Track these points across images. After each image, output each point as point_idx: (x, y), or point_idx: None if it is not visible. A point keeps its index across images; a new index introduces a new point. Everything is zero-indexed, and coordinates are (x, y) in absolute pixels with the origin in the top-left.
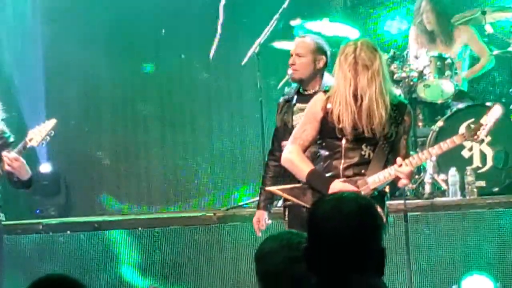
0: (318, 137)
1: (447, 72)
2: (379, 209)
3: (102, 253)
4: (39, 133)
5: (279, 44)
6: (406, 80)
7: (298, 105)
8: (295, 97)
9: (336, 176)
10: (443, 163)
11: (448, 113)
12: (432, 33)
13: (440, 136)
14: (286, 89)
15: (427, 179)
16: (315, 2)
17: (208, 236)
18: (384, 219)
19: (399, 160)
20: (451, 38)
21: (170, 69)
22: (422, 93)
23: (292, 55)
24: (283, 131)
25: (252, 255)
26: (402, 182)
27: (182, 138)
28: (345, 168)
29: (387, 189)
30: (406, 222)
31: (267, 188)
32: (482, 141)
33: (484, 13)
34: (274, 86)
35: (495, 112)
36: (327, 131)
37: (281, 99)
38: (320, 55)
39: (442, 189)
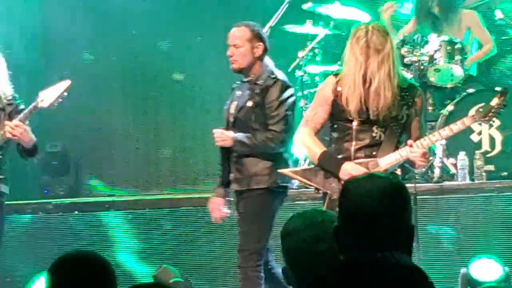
0: (330, 119)
1: (457, 57)
2: None
3: (111, 232)
4: (51, 94)
5: (290, 27)
6: (417, 64)
7: (237, 93)
8: (237, 85)
9: (347, 158)
10: (452, 147)
11: (458, 97)
12: (437, 17)
13: (450, 120)
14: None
15: (437, 163)
16: None
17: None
18: None
19: (409, 141)
20: (454, 21)
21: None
22: (433, 77)
23: (229, 46)
24: (226, 121)
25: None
26: (419, 163)
27: (194, 121)
28: (357, 150)
29: (398, 172)
30: (415, 206)
31: (280, 171)
32: (491, 122)
33: None
34: (285, 68)
35: (505, 94)
36: (337, 113)
37: (232, 89)
38: (258, 42)
39: (451, 173)
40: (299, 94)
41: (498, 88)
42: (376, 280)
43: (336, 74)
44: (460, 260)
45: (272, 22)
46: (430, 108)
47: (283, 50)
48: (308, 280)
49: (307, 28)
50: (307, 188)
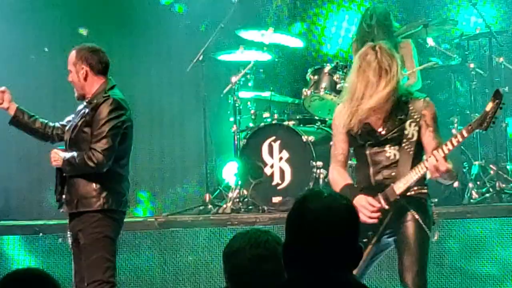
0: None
1: None
2: (420, 221)
3: (43, 257)
4: None
5: (223, 53)
6: None
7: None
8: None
9: (369, 185)
10: None
11: None
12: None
13: None
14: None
15: None
16: (260, 12)
17: (149, 241)
18: (428, 232)
19: (425, 157)
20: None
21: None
22: None
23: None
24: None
25: (193, 261)
26: (435, 175)
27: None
28: (375, 174)
29: (426, 191)
30: None
31: None
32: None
33: (426, 26)
34: (218, 94)
35: (498, 96)
36: (352, 140)
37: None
38: (81, 64)
39: None
40: (231, 119)
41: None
42: None
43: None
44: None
45: (205, 47)
46: None
47: (216, 75)
48: None
49: (240, 53)
50: (238, 212)
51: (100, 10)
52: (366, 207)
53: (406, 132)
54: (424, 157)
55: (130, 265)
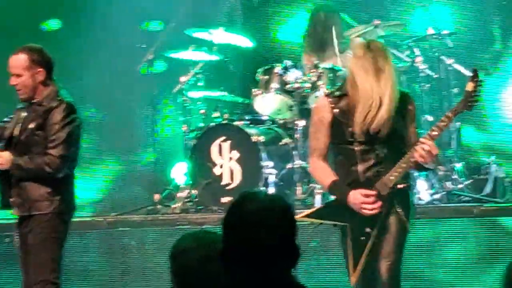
0: (331, 142)
1: (339, 84)
2: (403, 217)
3: None
4: None
5: (173, 53)
6: (299, 91)
7: (21, 114)
8: (21, 107)
9: (356, 181)
10: None
11: None
12: (325, 43)
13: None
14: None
15: (317, 189)
16: (211, 11)
17: (97, 241)
18: (408, 227)
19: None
20: (344, 48)
21: None
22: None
23: (12, 75)
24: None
25: (141, 261)
26: (425, 160)
27: None
28: (364, 172)
29: (412, 185)
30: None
31: (297, 217)
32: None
33: (377, 26)
34: (167, 93)
35: (476, 75)
36: (337, 135)
37: (16, 109)
38: (36, 67)
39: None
40: (181, 119)
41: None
42: None
43: (328, 95)
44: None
45: (155, 47)
46: None
47: (165, 75)
48: None
49: (190, 53)
50: (187, 212)
51: (47, 6)
52: (366, 201)
53: (396, 127)
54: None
55: (78, 265)
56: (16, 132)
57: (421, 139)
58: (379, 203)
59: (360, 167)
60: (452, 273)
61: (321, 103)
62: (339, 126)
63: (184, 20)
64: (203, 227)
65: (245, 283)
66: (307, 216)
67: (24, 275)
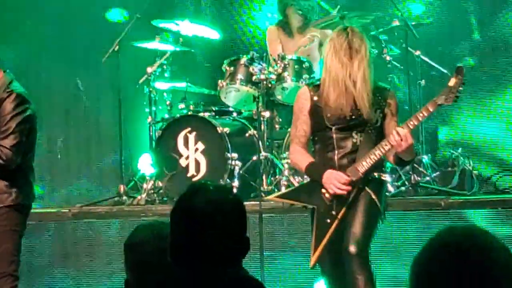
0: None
1: (305, 75)
2: (373, 196)
3: None
4: None
5: (139, 43)
6: (265, 82)
7: None
8: None
9: (332, 168)
10: None
11: None
12: (291, 29)
13: None
14: None
15: (283, 181)
16: (178, 2)
17: (62, 232)
18: (379, 206)
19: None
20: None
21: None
22: (280, 95)
23: None
24: None
25: (107, 252)
26: (399, 149)
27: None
28: (340, 158)
29: (387, 178)
30: (261, 223)
31: (267, 197)
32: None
33: (342, 17)
34: (133, 84)
35: (461, 72)
36: (316, 123)
37: None
38: None
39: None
40: (147, 110)
41: None
42: None
43: (308, 85)
44: (305, 279)
45: (121, 38)
46: (277, 126)
47: (132, 65)
48: None
49: (156, 44)
50: (152, 204)
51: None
52: (338, 179)
53: (371, 117)
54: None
55: (43, 256)
56: None
57: (397, 128)
58: (349, 187)
59: (336, 154)
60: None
61: (301, 92)
62: (318, 113)
63: (150, 10)
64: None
65: (194, 277)
66: (279, 196)
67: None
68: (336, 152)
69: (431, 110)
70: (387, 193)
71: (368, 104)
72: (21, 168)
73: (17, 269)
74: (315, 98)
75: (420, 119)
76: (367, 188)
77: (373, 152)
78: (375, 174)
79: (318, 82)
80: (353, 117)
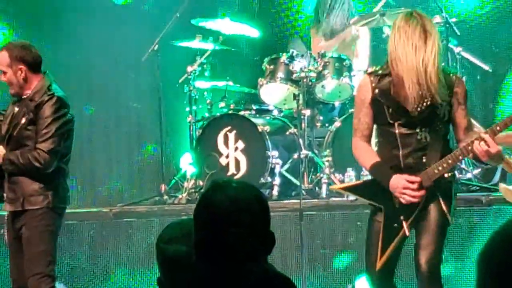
0: (374, 123)
1: (345, 73)
2: (443, 205)
3: None
4: None
5: (180, 42)
6: (305, 80)
7: (15, 109)
8: (11, 103)
9: (397, 167)
10: (339, 163)
11: (345, 114)
12: (331, 27)
13: (337, 136)
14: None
15: (324, 179)
16: (217, 1)
17: (103, 232)
18: (449, 217)
19: (482, 135)
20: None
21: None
22: (320, 93)
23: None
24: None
25: (147, 251)
26: (484, 159)
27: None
28: (405, 157)
29: (456, 176)
30: (301, 221)
31: (332, 187)
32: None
33: (383, 15)
34: (174, 83)
35: None
36: (378, 116)
37: (10, 104)
38: (17, 64)
39: (336, 192)
40: (187, 109)
41: None
42: None
43: (370, 74)
44: (347, 276)
45: (161, 36)
46: (318, 124)
47: (172, 64)
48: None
49: (197, 43)
50: (193, 203)
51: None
52: (408, 186)
53: (437, 112)
54: (461, 137)
55: (85, 255)
56: (10, 127)
57: (482, 135)
58: (421, 192)
59: (401, 152)
60: (460, 263)
61: (363, 82)
62: (380, 106)
63: (190, 9)
64: None
65: (219, 274)
66: (345, 188)
67: (15, 270)
68: (401, 150)
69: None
70: (457, 197)
71: (438, 88)
72: (57, 171)
73: (54, 270)
74: (376, 90)
75: (508, 123)
76: (437, 194)
77: (447, 160)
78: (446, 175)
79: (380, 72)
80: (419, 110)
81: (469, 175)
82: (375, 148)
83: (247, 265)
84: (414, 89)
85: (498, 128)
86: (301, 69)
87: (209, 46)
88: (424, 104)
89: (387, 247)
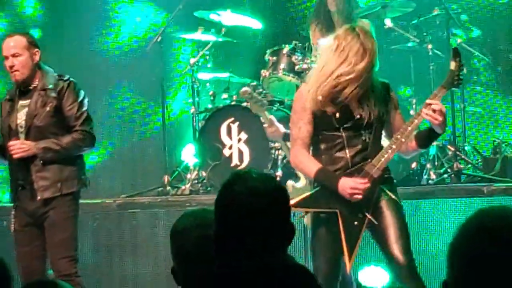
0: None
1: None
2: (393, 196)
3: None
4: None
5: (182, 34)
6: (307, 71)
7: (21, 102)
8: (16, 95)
9: (345, 167)
10: None
11: None
12: (332, 21)
13: None
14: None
15: None
16: None
17: (107, 222)
18: (397, 199)
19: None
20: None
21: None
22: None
23: (7, 58)
24: (8, 133)
25: (151, 242)
26: (437, 121)
27: None
28: (353, 157)
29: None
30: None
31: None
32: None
33: (385, 7)
34: (176, 74)
35: (457, 55)
36: (321, 123)
37: (3, 101)
38: (34, 48)
39: None
40: (190, 100)
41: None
42: (266, 282)
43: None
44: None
45: (164, 28)
46: None
47: (174, 56)
48: (196, 279)
49: (199, 34)
50: (196, 193)
51: None
52: (357, 186)
53: (378, 114)
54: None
55: (88, 246)
56: (20, 120)
57: (427, 101)
58: (368, 184)
59: (348, 153)
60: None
61: (302, 91)
62: (324, 113)
63: (192, 1)
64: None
65: (238, 264)
66: (293, 206)
67: (26, 257)
68: (347, 150)
69: (440, 95)
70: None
71: (373, 103)
72: (81, 156)
73: (78, 253)
74: (320, 97)
75: (438, 99)
76: (387, 190)
77: (390, 147)
78: (386, 174)
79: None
80: (362, 115)
81: (469, 166)
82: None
83: (265, 256)
84: (348, 102)
85: (437, 92)
86: (303, 60)
87: (211, 37)
88: (366, 111)
89: (352, 247)
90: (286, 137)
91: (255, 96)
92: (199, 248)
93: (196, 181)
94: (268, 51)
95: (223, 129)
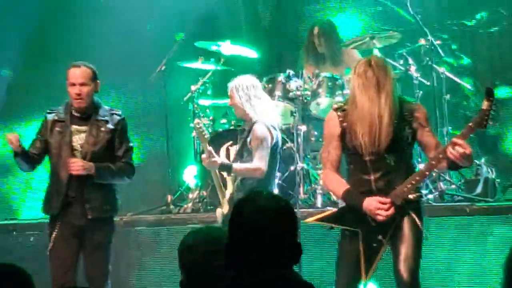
0: (343, 152)
1: (338, 92)
2: (416, 218)
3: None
4: None
5: (184, 63)
6: (300, 98)
7: (76, 127)
8: (68, 118)
9: (369, 191)
10: None
11: None
12: (322, 55)
13: None
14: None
15: (319, 189)
16: (220, 24)
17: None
18: (422, 228)
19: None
20: (339, 60)
21: None
22: (315, 110)
23: (74, 85)
24: (59, 151)
25: (156, 258)
26: (459, 160)
27: None
28: (376, 181)
29: (422, 196)
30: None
31: (307, 220)
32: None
33: (372, 38)
34: (179, 101)
35: (491, 94)
36: (348, 147)
37: (49, 120)
38: (97, 80)
39: (332, 199)
40: (191, 125)
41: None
42: None
43: (336, 109)
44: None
45: (167, 58)
46: (312, 139)
47: (177, 84)
48: None
49: (200, 64)
50: (197, 212)
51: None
52: (381, 207)
53: (401, 136)
54: (431, 155)
55: None
56: (76, 143)
57: (454, 139)
58: (393, 210)
59: (373, 177)
60: (446, 270)
61: (330, 117)
62: (349, 139)
63: (194, 32)
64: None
65: (245, 279)
66: (319, 220)
67: (61, 269)
68: (372, 175)
69: (466, 134)
70: (424, 215)
71: (393, 132)
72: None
73: None
74: (345, 124)
75: (467, 136)
76: (409, 212)
77: (414, 178)
78: (412, 195)
79: (345, 107)
80: (382, 145)
81: (453, 187)
82: (344, 174)
83: (272, 274)
84: (367, 137)
85: (465, 131)
86: (297, 87)
87: (210, 66)
88: (377, 148)
89: (369, 266)
90: (221, 168)
91: (201, 127)
92: (206, 262)
93: (197, 200)
94: (264, 79)
95: (223, 151)
